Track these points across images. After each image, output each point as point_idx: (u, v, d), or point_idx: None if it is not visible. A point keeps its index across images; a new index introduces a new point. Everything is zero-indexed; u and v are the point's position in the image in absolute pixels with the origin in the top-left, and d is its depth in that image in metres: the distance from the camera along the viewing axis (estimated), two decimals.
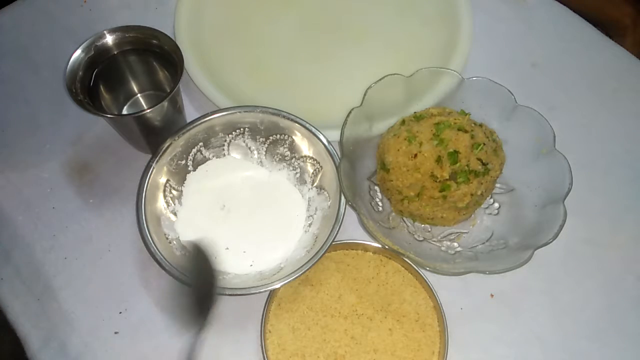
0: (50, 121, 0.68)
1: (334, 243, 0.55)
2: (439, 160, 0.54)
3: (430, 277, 0.57)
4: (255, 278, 0.56)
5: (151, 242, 0.55)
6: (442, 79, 0.63)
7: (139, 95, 0.67)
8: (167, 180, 0.60)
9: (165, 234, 0.57)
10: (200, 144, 0.62)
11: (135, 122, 0.59)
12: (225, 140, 0.63)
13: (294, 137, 0.62)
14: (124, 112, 0.66)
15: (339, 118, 0.60)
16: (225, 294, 0.52)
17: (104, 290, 0.59)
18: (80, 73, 0.57)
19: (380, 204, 0.62)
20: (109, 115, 0.58)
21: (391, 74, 0.61)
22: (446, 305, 0.56)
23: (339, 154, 0.60)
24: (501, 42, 0.76)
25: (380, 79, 0.61)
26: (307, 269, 0.54)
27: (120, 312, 0.58)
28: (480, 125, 0.58)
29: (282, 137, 0.63)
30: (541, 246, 0.53)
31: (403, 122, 0.60)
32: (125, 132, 0.63)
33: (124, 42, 0.59)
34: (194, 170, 0.62)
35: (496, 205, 0.62)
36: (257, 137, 0.63)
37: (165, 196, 0.60)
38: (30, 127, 0.68)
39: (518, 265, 0.53)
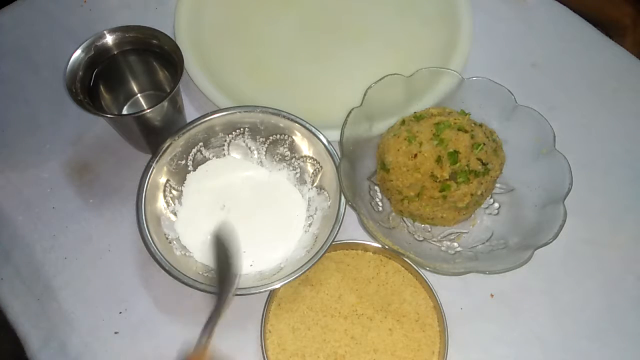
0: (50, 121, 0.68)
1: (334, 243, 0.55)
2: (439, 160, 0.54)
3: (430, 277, 0.57)
4: (255, 278, 0.56)
5: (151, 242, 0.55)
6: (442, 79, 0.63)
7: (139, 95, 0.67)
8: (167, 180, 0.60)
9: (165, 234, 0.57)
10: (200, 144, 0.62)
11: (135, 122, 0.59)
12: (225, 140, 0.63)
13: (294, 137, 0.62)
14: (124, 112, 0.66)
15: (339, 118, 0.60)
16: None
17: (104, 290, 0.59)
18: (80, 73, 0.57)
19: (380, 204, 0.62)
20: (109, 115, 0.58)
21: (391, 74, 0.61)
22: (446, 305, 0.56)
23: (339, 154, 0.60)
24: (501, 42, 0.76)
25: (380, 79, 0.61)
26: (307, 269, 0.54)
27: (120, 312, 0.58)
28: (480, 125, 0.58)
29: (282, 137, 0.63)
30: (541, 246, 0.53)
31: (403, 122, 0.60)
32: (125, 132, 0.63)
33: (124, 42, 0.59)
34: (194, 170, 0.62)
35: (496, 205, 0.62)
36: (257, 137, 0.63)
37: (165, 196, 0.60)
38: (30, 127, 0.68)
39: (518, 265, 0.53)
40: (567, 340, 0.58)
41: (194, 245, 0.59)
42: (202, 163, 0.63)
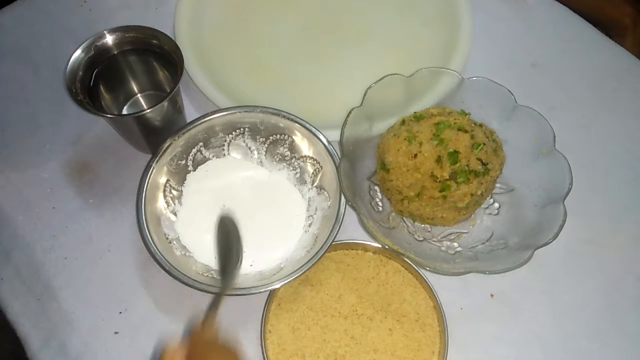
0: (50, 121, 0.68)
1: (334, 243, 0.55)
2: (439, 160, 0.54)
3: (430, 277, 0.57)
4: (255, 278, 0.56)
5: (151, 242, 0.55)
6: (442, 79, 0.63)
7: (139, 95, 0.67)
8: (167, 180, 0.60)
9: (165, 234, 0.57)
10: (200, 144, 0.62)
11: (135, 122, 0.59)
12: (225, 140, 0.63)
13: (294, 137, 0.62)
14: (124, 112, 0.66)
15: (339, 118, 0.60)
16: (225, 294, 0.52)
17: (104, 290, 0.59)
18: (80, 73, 0.57)
19: (380, 204, 0.62)
20: (109, 115, 0.58)
21: (391, 74, 0.61)
22: (446, 305, 0.56)
23: (339, 154, 0.60)
24: (501, 42, 0.76)
25: (380, 79, 0.61)
26: (307, 269, 0.54)
27: (120, 312, 0.58)
28: (480, 125, 0.58)
29: (282, 137, 0.63)
30: (541, 246, 0.53)
31: (403, 122, 0.60)
32: (125, 132, 0.63)
33: (124, 42, 0.59)
34: (194, 170, 0.62)
35: (496, 205, 0.62)
36: (257, 137, 0.63)
37: (165, 196, 0.60)
38: (30, 127, 0.68)
39: (518, 265, 0.53)
40: (567, 340, 0.58)
41: (194, 245, 0.59)
42: (202, 163, 0.63)
